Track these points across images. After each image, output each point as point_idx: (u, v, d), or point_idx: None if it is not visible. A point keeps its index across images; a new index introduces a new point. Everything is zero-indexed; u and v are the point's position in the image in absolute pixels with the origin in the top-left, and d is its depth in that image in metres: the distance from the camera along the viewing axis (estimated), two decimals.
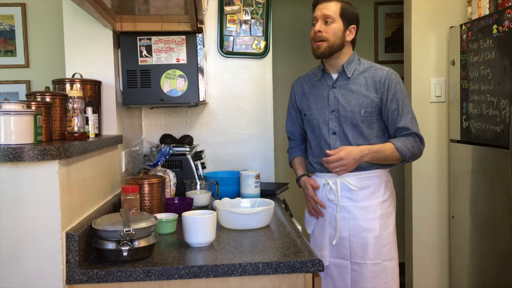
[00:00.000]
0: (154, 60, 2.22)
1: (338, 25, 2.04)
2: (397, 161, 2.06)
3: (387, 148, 2.02)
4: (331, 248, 2.08)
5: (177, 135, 2.74)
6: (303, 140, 2.29)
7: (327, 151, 2.00)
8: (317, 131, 2.13)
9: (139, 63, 2.21)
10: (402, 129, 2.04)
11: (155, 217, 1.59)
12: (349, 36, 2.09)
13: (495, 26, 2.43)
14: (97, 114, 1.96)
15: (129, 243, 1.44)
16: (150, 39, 2.21)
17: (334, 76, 2.12)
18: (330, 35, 2.04)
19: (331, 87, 2.11)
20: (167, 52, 2.22)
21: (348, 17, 2.06)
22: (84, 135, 1.73)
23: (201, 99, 2.30)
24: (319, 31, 2.04)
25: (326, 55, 2.06)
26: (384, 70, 2.08)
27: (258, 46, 2.74)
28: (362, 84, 2.07)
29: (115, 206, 1.88)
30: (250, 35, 2.74)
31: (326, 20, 2.04)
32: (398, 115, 2.04)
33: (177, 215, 1.84)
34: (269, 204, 1.93)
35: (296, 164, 2.28)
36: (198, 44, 2.25)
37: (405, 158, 2.03)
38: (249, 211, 1.87)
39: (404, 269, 3.13)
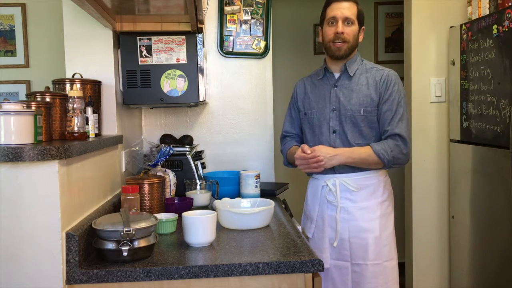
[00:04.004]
0: (154, 60, 2.22)
1: (356, 27, 2.05)
2: (378, 165, 2.01)
3: (363, 150, 2.00)
4: (331, 250, 2.08)
5: (177, 135, 2.74)
6: (299, 141, 2.28)
7: (303, 150, 1.98)
8: (317, 129, 2.12)
9: (139, 63, 2.21)
10: (388, 131, 2.02)
11: (155, 217, 1.59)
12: (361, 38, 2.11)
13: (495, 26, 2.43)
14: (97, 114, 1.96)
15: (129, 243, 1.44)
16: (150, 39, 2.21)
17: (337, 75, 2.13)
18: (351, 36, 2.04)
19: (333, 85, 2.11)
20: (167, 52, 2.22)
21: (361, 19, 2.09)
22: (84, 135, 1.73)
23: (201, 99, 2.30)
24: (342, 32, 2.02)
25: (346, 56, 2.07)
26: (385, 71, 2.09)
27: (258, 46, 2.74)
28: (363, 83, 2.07)
29: (115, 206, 1.88)
30: (250, 35, 2.74)
31: (347, 20, 2.03)
32: (390, 116, 2.02)
33: (177, 215, 1.84)
34: (269, 204, 1.93)
35: (293, 150, 2.18)
36: (198, 44, 2.25)
37: (384, 161, 1.98)
38: (249, 211, 1.87)
39: (404, 269, 3.13)
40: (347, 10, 2.03)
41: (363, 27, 2.11)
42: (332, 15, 2.05)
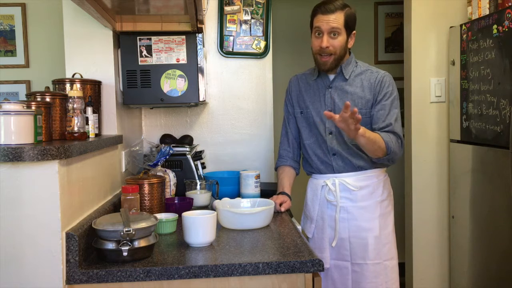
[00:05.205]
0: (154, 60, 2.22)
1: (342, 37, 2.01)
2: (381, 152, 1.96)
3: (375, 133, 1.97)
4: (331, 250, 2.08)
5: (177, 135, 2.74)
6: (298, 144, 2.25)
7: (325, 112, 1.87)
8: (313, 129, 2.13)
9: (139, 63, 2.21)
10: (386, 127, 2.01)
11: (155, 217, 1.59)
12: (350, 43, 2.07)
13: (495, 26, 2.43)
14: (97, 114, 1.96)
15: (129, 243, 1.44)
16: (150, 39, 2.21)
17: (331, 76, 2.12)
18: (337, 48, 2.00)
19: (328, 87, 2.11)
20: (167, 52, 2.22)
21: (351, 25, 2.03)
22: (84, 135, 1.73)
23: (201, 99, 2.30)
24: (327, 47, 1.99)
25: (333, 68, 2.05)
26: (380, 73, 2.08)
27: (258, 46, 2.74)
28: (358, 85, 2.07)
29: (115, 206, 1.88)
30: (250, 35, 2.74)
31: (332, 33, 1.99)
32: (384, 114, 2.02)
33: (177, 215, 1.84)
34: (269, 204, 1.93)
35: (282, 174, 2.23)
36: (198, 44, 2.25)
37: (389, 149, 1.95)
38: (249, 211, 1.87)
39: (404, 269, 3.13)
40: (332, 21, 1.97)
41: (354, 32, 2.06)
42: (317, 26, 2.01)
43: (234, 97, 2.78)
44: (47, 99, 1.70)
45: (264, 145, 2.80)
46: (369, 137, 1.92)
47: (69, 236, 1.39)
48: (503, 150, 2.39)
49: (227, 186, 2.36)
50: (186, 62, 2.23)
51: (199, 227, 1.60)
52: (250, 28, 2.73)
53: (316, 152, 2.13)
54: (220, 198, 2.11)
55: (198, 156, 2.58)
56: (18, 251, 1.36)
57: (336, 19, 1.98)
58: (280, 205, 2.09)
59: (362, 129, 1.89)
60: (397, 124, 2.03)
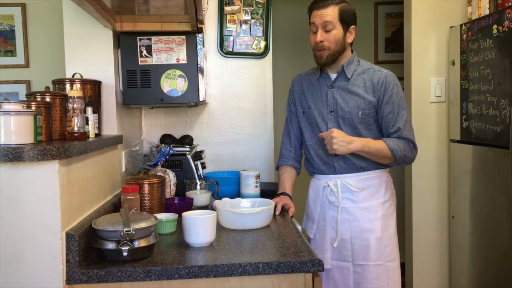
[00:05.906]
0: (154, 60, 2.22)
1: (338, 31, 2.00)
2: (387, 160, 2.01)
3: (377, 142, 1.99)
4: (332, 251, 2.08)
5: (177, 135, 2.74)
6: (299, 144, 2.27)
7: (319, 134, 2.03)
8: (316, 129, 2.12)
9: (139, 63, 2.21)
10: (395, 133, 2.02)
11: (155, 217, 1.59)
12: (350, 38, 2.06)
13: (495, 26, 2.43)
14: (97, 114, 1.96)
15: (129, 243, 1.44)
16: (150, 39, 2.21)
17: (333, 76, 2.11)
18: (332, 43, 2.00)
19: (330, 87, 2.10)
20: (167, 52, 2.22)
21: (348, 19, 2.02)
22: (84, 135, 1.73)
23: (201, 99, 2.30)
24: (321, 41, 2.00)
25: (330, 62, 2.04)
26: (383, 72, 2.07)
27: (258, 46, 2.74)
28: (361, 85, 2.06)
29: (115, 206, 1.88)
30: (250, 35, 2.74)
31: (326, 27, 1.99)
32: (393, 118, 2.02)
33: (177, 215, 1.84)
34: (269, 204, 1.93)
35: (283, 174, 2.23)
36: (198, 44, 2.25)
37: (396, 156, 1.98)
38: (249, 211, 1.87)
39: (404, 269, 3.13)
40: (325, 15, 1.98)
41: (353, 26, 2.05)
42: (312, 22, 2.02)
43: (234, 97, 2.78)
44: (47, 99, 1.70)
45: (264, 145, 2.80)
46: (369, 151, 1.98)
47: (69, 236, 1.39)
48: (503, 150, 2.39)
49: (227, 186, 2.36)
50: (186, 62, 2.23)
51: (199, 227, 1.60)
52: (250, 28, 2.73)
53: (318, 153, 2.13)
54: (220, 198, 2.11)
55: (198, 156, 2.58)
56: (18, 251, 1.36)
57: (329, 13, 1.99)
58: (283, 208, 2.10)
59: (359, 145, 1.95)
60: (406, 128, 2.02)
